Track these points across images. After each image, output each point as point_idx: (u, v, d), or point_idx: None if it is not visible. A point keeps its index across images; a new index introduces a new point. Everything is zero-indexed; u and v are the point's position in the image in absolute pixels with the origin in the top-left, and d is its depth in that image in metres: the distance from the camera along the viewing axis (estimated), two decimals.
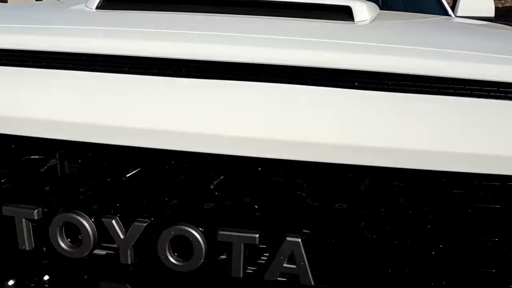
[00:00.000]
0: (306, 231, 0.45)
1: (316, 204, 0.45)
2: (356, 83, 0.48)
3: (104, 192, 0.48)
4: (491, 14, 1.84)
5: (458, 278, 0.46)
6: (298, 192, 0.45)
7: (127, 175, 0.47)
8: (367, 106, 0.48)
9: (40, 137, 0.47)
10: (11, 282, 0.53)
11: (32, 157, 0.49)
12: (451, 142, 0.44)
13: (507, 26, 1.02)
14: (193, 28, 0.62)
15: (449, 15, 1.54)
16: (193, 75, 0.50)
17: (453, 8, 1.80)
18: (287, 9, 0.76)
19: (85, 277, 0.50)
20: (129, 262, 0.48)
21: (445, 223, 0.45)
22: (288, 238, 0.44)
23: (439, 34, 0.78)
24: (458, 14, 1.74)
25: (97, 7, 0.77)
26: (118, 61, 0.52)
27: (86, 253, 0.48)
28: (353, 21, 0.71)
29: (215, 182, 0.46)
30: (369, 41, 0.59)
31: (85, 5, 0.79)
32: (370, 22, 0.74)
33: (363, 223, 0.44)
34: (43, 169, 0.48)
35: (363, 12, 0.75)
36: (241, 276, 0.46)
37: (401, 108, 0.47)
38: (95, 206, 0.48)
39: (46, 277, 0.51)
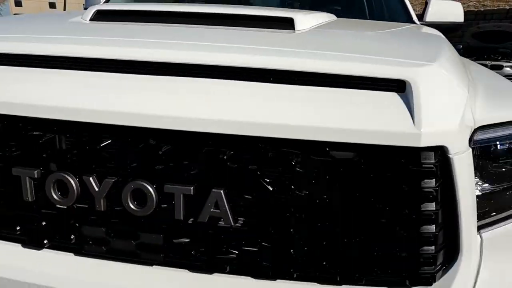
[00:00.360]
0: (227, 185, 0.62)
1: (235, 166, 0.62)
2: (272, 79, 0.65)
3: (85, 158, 0.66)
4: (460, 19, 1.98)
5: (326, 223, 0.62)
6: (221, 157, 0.62)
7: (101, 145, 0.65)
8: (282, 95, 0.64)
9: (39, 117, 0.65)
10: (18, 227, 0.71)
11: (33, 132, 0.67)
12: (335, 119, 0.61)
13: (437, 34, 1.17)
14: (160, 37, 0.80)
15: (413, 22, 1.68)
16: (157, 73, 0.68)
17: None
18: (243, 20, 0.94)
19: (71, 221, 0.68)
20: (102, 209, 0.66)
21: (320, 176, 0.62)
22: (213, 190, 0.62)
23: (361, 40, 0.94)
24: (427, 19, 1.89)
25: (90, 20, 0.96)
26: (100, 63, 0.69)
27: (71, 203, 0.66)
28: (294, 30, 0.88)
29: (163, 150, 0.63)
30: (293, 46, 0.75)
31: (81, 17, 0.98)
32: (309, 31, 0.91)
33: (267, 179, 0.61)
34: (41, 141, 0.67)
35: (304, 22, 0.92)
36: (182, 218, 0.63)
37: (301, 96, 0.63)
38: (78, 168, 0.66)
39: (43, 222, 0.69)
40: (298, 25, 0.89)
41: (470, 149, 0.65)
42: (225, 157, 0.62)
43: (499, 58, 9.76)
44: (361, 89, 0.63)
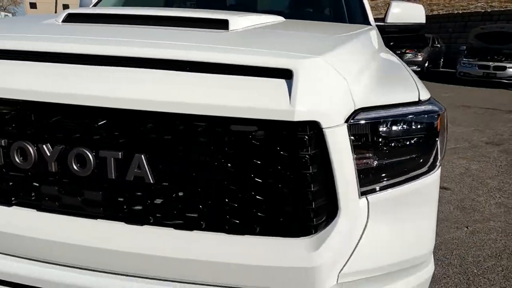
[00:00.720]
0: (148, 151, 0.79)
1: (154, 136, 0.79)
2: (189, 68, 0.81)
3: (40, 130, 0.83)
4: (422, 20, 2.11)
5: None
6: (143, 129, 0.79)
7: (52, 119, 0.82)
8: (194, 81, 0.80)
9: (7, 98, 0.83)
10: None
11: (2, 110, 0.85)
12: (233, 99, 0.77)
13: (362, 32, 1.32)
14: (107, 35, 0.97)
15: (369, 23, 1.82)
16: (98, 63, 0.84)
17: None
18: (189, 22, 1.10)
19: (31, 182, 0.86)
20: (53, 171, 0.83)
21: (222, 144, 0.78)
22: (136, 155, 0.79)
23: (275, 38, 1.09)
24: (388, 21, 2.02)
25: (62, 21, 1.13)
26: (57, 56, 0.87)
27: (31, 166, 0.84)
28: (228, 30, 1.05)
29: (99, 124, 0.81)
30: (215, 43, 0.92)
31: (55, 19, 1.16)
32: (240, 31, 1.07)
33: (178, 146, 0.78)
34: (8, 117, 0.84)
35: (238, 23, 1.08)
36: (114, 177, 0.80)
37: (210, 82, 0.80)
38: (35, 138, 0.83)
39: (10, 183, 0.87)
40: (232, 25, 1.06)
41: (345, 125, 0.80)
42: (146, 129, 0.78)
43: (503, 59, 9.78)
44: (260, 76, 0.79)
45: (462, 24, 14.76)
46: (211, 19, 1.09)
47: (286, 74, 0.79)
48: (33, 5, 48.19)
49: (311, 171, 0.78)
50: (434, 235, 0.98)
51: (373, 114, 0.86)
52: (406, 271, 0.92)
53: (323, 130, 0.77)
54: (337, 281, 0.84)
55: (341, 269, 0.84)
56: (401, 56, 12.57)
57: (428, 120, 0.91)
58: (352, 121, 0.82)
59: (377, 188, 0.89)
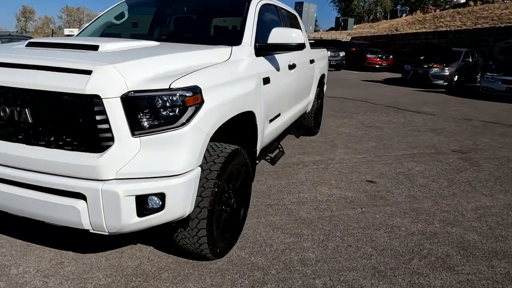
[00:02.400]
0: (29, 107, 1.69)
1: (30, 98, 1.69)
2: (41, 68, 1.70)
3: None
4: (299, 41, 2.82)
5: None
6: (28, 97, 1.69)
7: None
8: (36, 75, 1.69)
9: None
10: None
11: None
12: (45, 82, 1.64)
13: (205, 52, 2.13)
14: (33, 53, 1.89)
15: (239, 43, 2.59)
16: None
17: None
18: (78, 47, 2.01)
19: None
20: None
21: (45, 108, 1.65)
22: (25, 108, 1.69)
23: (120, 56, 1.93)
24: (269, 41, 2.77)
25: (25, 46, 2.11)
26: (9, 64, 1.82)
27: None
28: (97, 50, 1.93)
29: (13, 94, 1.72)
30: (80, 58, 1.79)
31: (23, 45, 2.14)
32: (104, 52, 1.94)
33: (38, 103, 1.67)
34: None
35: (107, 46, 1.97)
36: (16, 119, 1.71)
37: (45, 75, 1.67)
38: None
39: None
40: (101, 48, 1.94)
41: (119, 98, 1.62)
42: (29, 96, 1.69)
43: None
44: (75, 73, 1.65)
45: (503, 37, 14.21)
46: (90, 45, 1.99)
47: (88, 72, 1.63)
48: None
49: (98, 118, 1.61)
50: (185, 162, 1.75)
51: (137, 94, 1.67)
52: (162, 178, 1.70)
53: (102, 99, 1.60)
54: (115, 177, 1.65)
55: (118, 170, 1.65)
56: (427, 70, 12.62)
57: (171, 98, 1.69)
58: (123, 96, 1.64)
59: (145, 133, 1.69)
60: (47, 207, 1.70)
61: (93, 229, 1.70)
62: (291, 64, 3.53)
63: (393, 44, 22.34)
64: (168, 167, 1.72)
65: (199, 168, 1.86)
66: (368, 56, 19.71)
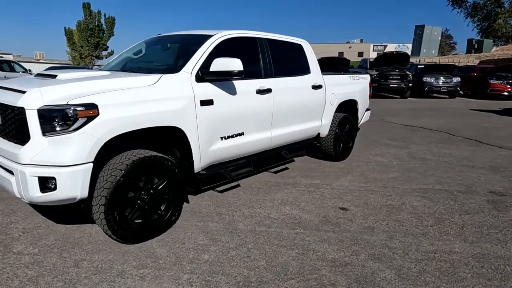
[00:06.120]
0: None
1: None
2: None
3: None
4: (239, 68, 3.21)
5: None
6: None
7: None
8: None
9: None
10: None
11: None
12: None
13: (145, 79, 2.81)
14: (24, 80, 2.89)
15: (189, 72, 3.14)
16: None
17: None
18: (49, 76, 2.93)
19: None
20: None
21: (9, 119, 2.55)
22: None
23: (66, 83, 2.72)
24: (211, 69, 3.25)
25: (35, 76, 3.19)
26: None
27: None
28: (55, 78, 2.82)
29: None
30: (35, 83, 2.68)
31: (33, 75, 3.22)
32: (60, 79, 2.81)
33: (4, 113, 2.61)
34: None
35: (63, 75, 2.85)
36: None
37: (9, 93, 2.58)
38: None
39: None
40: (58, 77, 2.82)
41: (36, 110, 2.41)
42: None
43: None
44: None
45: None
46: (52, 74, 2.89)
47: (24, 92, 2.49)
48: None
49: (23, 122, 2.44)
50: (72, 157, 2.40)
51: (47, 107, 2.42)
52: (55, 167, 2.39)
53: (26, 110, 2.42)
54: (29, 162, 2.42)
55: (32, 158, 2.42)
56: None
57: (66, 111, 2.38)
58: (38, 109, 2.42)
59: (51, 134, 2.42)
60: (3, 179, 2.60)
61: (21, 198, 2.50)
62: (265, 89, 3.85)
63: None
64: (60, 159, 2.41)
65: (91, 164, 2.49)
66: (491, 82, 16.92)
